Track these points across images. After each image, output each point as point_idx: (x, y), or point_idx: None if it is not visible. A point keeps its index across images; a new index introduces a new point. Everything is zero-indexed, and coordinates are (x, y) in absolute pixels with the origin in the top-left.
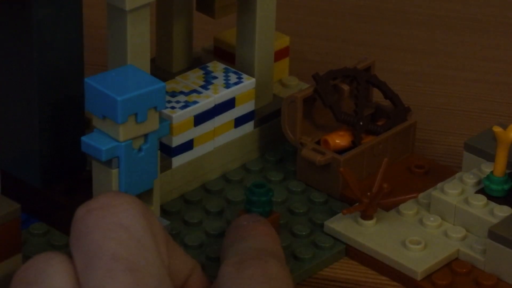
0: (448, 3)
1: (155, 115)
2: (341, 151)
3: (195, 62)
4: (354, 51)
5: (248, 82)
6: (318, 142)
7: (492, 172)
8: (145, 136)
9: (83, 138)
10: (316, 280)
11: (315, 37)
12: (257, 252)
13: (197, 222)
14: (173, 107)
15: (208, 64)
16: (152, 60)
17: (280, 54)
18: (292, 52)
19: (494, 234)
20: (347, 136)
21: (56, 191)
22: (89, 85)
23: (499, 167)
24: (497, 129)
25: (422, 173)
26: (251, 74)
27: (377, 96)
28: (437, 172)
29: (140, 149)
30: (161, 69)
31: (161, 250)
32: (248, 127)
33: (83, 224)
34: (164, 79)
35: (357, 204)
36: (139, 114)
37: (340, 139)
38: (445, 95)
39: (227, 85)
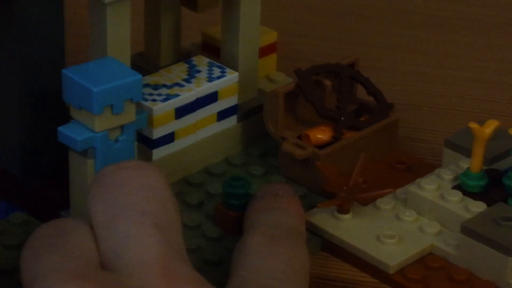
0: (448, 3)
1: (131, 107)
2: (323, 146)
3: (184, 56)
4: (354, 51)
5: (231, 76)
6: (300, 137)
7: (468, 168)
8: (122, 127)
9: (60, 128)
10: None
11: (315, 37)
12: (289, 231)
13: None
14: (154, 100)
15: (192, 58)
16: (141, 54)
17: (267, 50)
18: (291, 52)
19: (466, 229)
20: (329, 131)
21: (36, 181)
22: (66, 76)
23: (475, 163)
24: (473, 125)
25: (404, 169)
26: (236, 69)
27: (361, 93)
28: (419, 168)
29: (116, 140)
30: (149, 63)
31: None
32: (231, 121)
33: (112, 179)
34: (151, 73)
35: (334, 198)
36: (115, 105)
37: (321, 134)
38: (445, 95)
39: (210, 79)
